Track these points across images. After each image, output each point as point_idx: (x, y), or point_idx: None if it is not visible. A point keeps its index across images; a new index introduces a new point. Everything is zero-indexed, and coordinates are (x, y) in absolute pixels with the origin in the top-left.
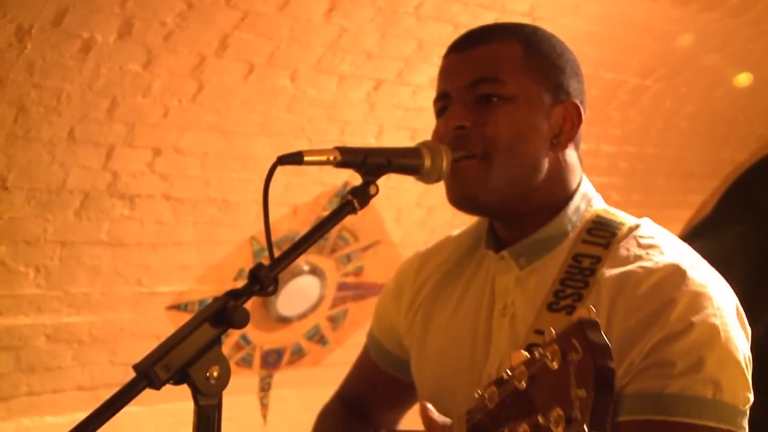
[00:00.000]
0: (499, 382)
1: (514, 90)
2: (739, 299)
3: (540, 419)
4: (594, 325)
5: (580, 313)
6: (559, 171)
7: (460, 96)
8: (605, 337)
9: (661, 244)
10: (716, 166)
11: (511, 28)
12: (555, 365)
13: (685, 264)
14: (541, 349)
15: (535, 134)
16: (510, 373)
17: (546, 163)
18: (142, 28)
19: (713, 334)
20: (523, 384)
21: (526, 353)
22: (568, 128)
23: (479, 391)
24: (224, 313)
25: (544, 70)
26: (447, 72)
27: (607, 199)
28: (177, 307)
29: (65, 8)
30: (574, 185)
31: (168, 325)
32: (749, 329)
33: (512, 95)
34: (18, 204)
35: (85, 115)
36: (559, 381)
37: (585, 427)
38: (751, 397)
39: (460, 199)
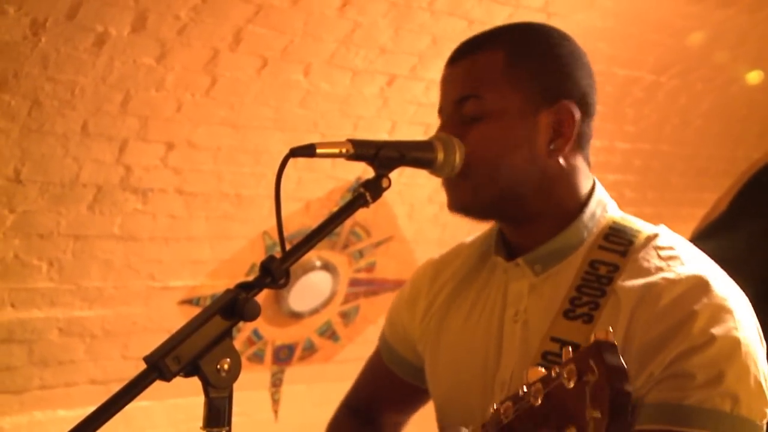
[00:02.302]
0: (515, 397)
1: (494, 105)
2: (753, 298)
3: None
4: (611, 347)
5: (598, 335)
6: (563, 175)
7: (449, 114)
8: (622, 360)
9: (681, 255)
10: (731, 163)
11: (496, 35)
12: (571, 385)
13: (707, 276)
14: (557, 368)
15: (518, 147)
16: (526, 390)
17: (536, 171)
18: (155, 22)
19: (734, 347)
20: (539, 401)
21: (543, 370)
22: (566, 129)
23: (495, 405)
24: (235, 306)
25: (529, 75)
26: (441, 86)
27: (621, 197)
28: (189, 301)
29: (79, 2)
30: (585, 190)
31: (180, 320)
32: (765, 343)
33: (492, 111)
34: (31, 197)
35: (98, 109)
36: (575, 401)
37: None
38: None
39: (455, 209)
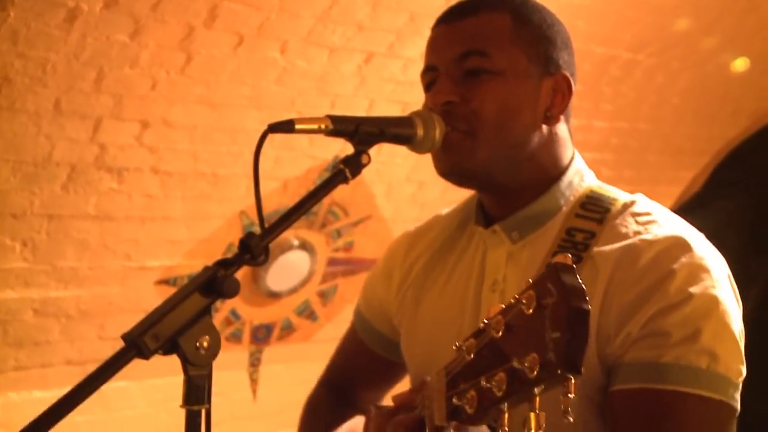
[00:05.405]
0: (478, 333)
1: (502, 64)
2: None
3: (515, 364)
4: (569, 269)
5: (556, 258)
6: (551, 144)
7: (447, 70)
8: (580, 280)
9: (658, 219)
10: (707, 142)
11: None
12: (530, 311)
13: (684, 236)
14: (516, 296)
15: (523, 109)
16: (486, 322)
17: (536, 137)
18: None
19: (711, 305)
20: (500, 332)
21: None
22: (558, 101)
23: (457, 343)
24: (214, 283)
25: (533, 42)
26: (435, 44)
27: (599, 175)
28: (166, 281)
29: None
30: (566, 160)
31: (157, 300)
32: (740, 304)
33: (500, 69)
34: (4, 176)
35: (71, 87)
36: (534, 326)
37: (559, 370)
38: (744, 370)
39: (448, 170)
